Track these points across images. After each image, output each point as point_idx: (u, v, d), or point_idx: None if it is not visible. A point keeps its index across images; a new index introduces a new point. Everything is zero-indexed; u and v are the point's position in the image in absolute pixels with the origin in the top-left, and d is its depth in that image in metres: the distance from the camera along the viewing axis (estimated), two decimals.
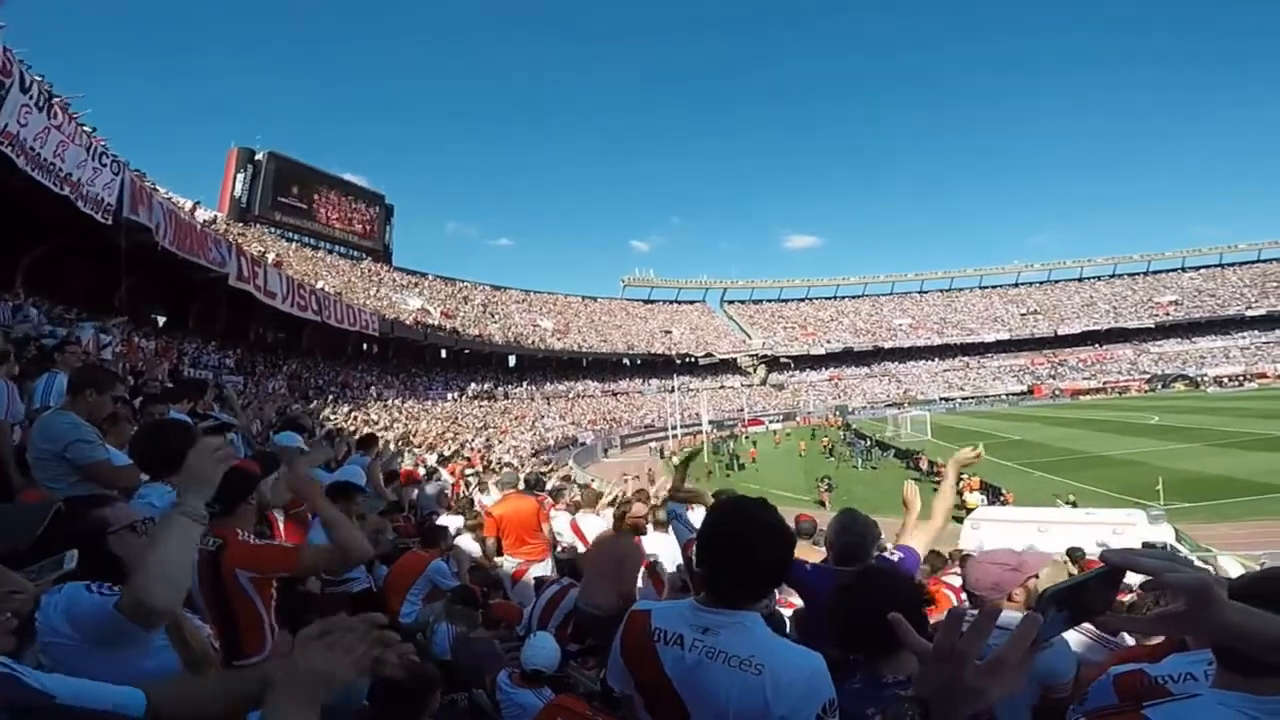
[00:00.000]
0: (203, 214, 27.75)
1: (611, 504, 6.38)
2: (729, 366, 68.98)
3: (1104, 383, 62.35)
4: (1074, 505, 15.49)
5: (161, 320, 21.56)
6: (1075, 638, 2.35)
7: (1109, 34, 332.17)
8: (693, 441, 41.47)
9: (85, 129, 13.20)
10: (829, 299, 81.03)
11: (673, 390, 50.69)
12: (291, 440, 4.60)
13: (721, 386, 64.96)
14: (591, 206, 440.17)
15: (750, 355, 70.42)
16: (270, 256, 28.39)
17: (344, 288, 35.53)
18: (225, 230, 27.07)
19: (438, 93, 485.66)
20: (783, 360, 70.77)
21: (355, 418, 19.83)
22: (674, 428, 44.50)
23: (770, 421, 55.02)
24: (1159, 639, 1.76)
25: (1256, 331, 65.41)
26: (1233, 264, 74.35)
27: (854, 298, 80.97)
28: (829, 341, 72.16)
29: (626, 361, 62.11)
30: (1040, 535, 10.25)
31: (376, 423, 20.53)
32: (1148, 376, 61.91)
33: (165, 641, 1.56)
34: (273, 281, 22.23)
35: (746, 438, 45.02)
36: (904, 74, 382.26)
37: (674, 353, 64.25)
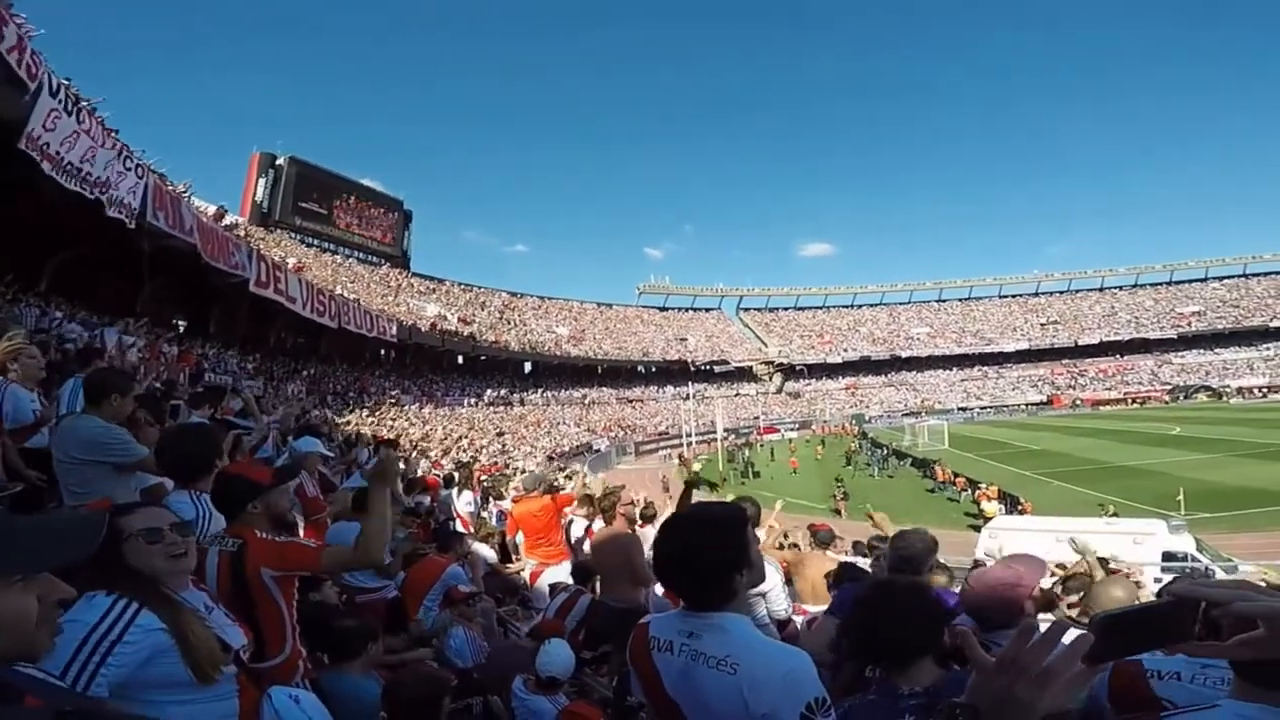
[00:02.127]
0: (225, 219, 28.12)
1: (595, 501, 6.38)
2: (744, 374, 68.74)
3: (1124, 393, 61.31)
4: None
5: (183, 325, 21.88)
6: None
7: (1131, 36, 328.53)
8: (709, 449, 41.39)
9: (112, 133, 13.19)
10: (846, 307, 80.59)
11: (688, 398, 50.59)
12: (311, 446, 4.67)
13: (737, 394, 64.75)
14: (605, 213, 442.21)
15: (766, 363, 70.16)
16: (290, 262, 28.77)
17: (363, 294, 35.89)
18: (246, 235, 27.46)
19: (452, 99, 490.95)
20: (799, 368, 70.42)
21: (373, 423, 20.03)
22: (689, 435, 44.40)
23: (786, 430, 54.75)
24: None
25: None
26: (1257, 274, 72.90)
27: (871, 306, 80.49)
28: (846, 350, 71.69)
29: (641, 369, 62.12)
30: (1058, 545, 10.07)
31: (392, 428, 20.72)
32: (1169, 387, 60.81)
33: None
34: (293, 287, 22.50)
35: (763, 445, 44.84)
36: (918, 78, 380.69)
37: (689, 360, 64.17)
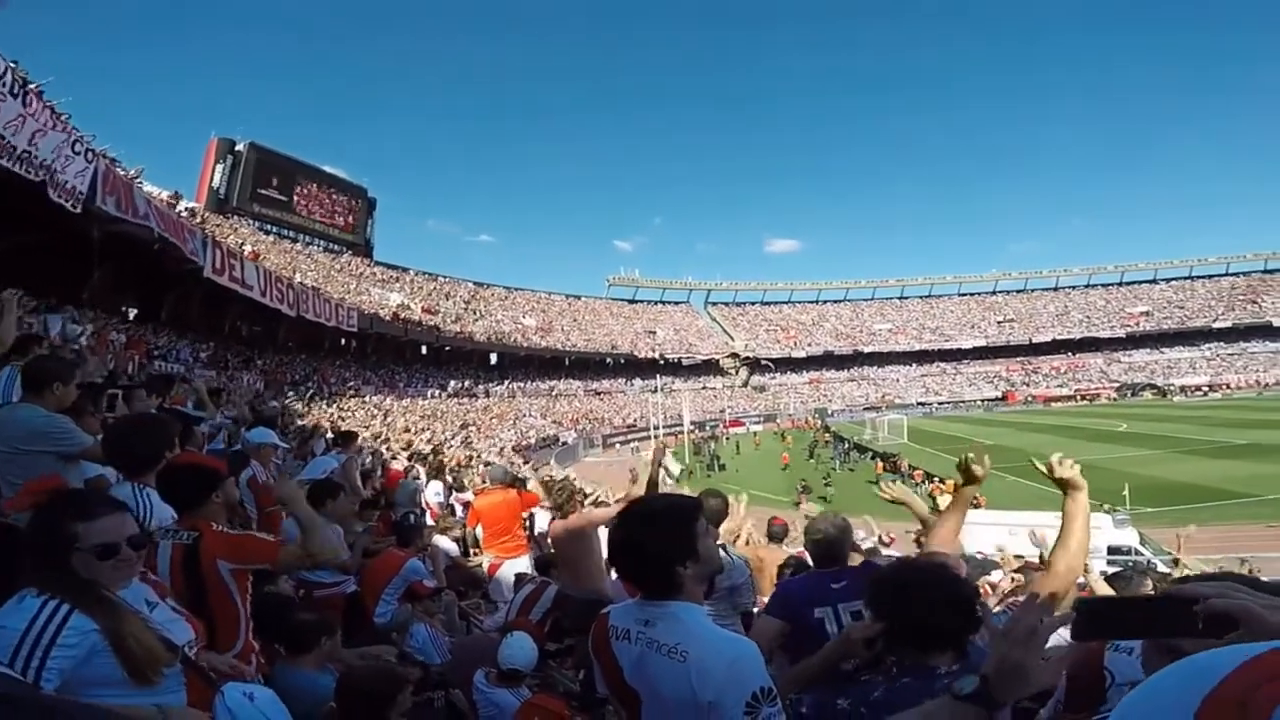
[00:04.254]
0: (180, 205, 27.23)
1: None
2: (711, 368, 69.19)
3: (1075, 390, 63.53)
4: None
5: (133, 313, 21.12)
6: None
7: (1086, 42, 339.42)
8: (675, 442, 41.58)
9: (62, 116, 12.90)
10: (811, 303, 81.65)
11: (655, 390, 50.74)
12: (265, 437, 4.54)
13: (704, 387, 65.17)
14: (574, 205, 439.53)
15: (732, 356, 70.77)
16: (247, 249, 27.96)
17: (323, 282, 35.07)
18: (202, 222, 26.62)
19: (419, 87, 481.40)
20: (764, 362, 71.19)
21: (332, 414, 19.61)
22: (656, 428, 44.57)
23: (751, 423, 55.32)
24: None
25: (1221, 343, 67.24)
26: (1202, 276, 76.34)
27: (835, 302, 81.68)
28: (810, 345, 72.69)
29: (609, 361, 62.05)
30: (1010, 538, 10.42)
31: (350, 419, 20.31)
32: (1117, 385, 63.18)
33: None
34: (249, 274, 21.87)
35: (728, 439, 45.25)
36: (883, 81, 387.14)
37: (657, 353, 64.32)
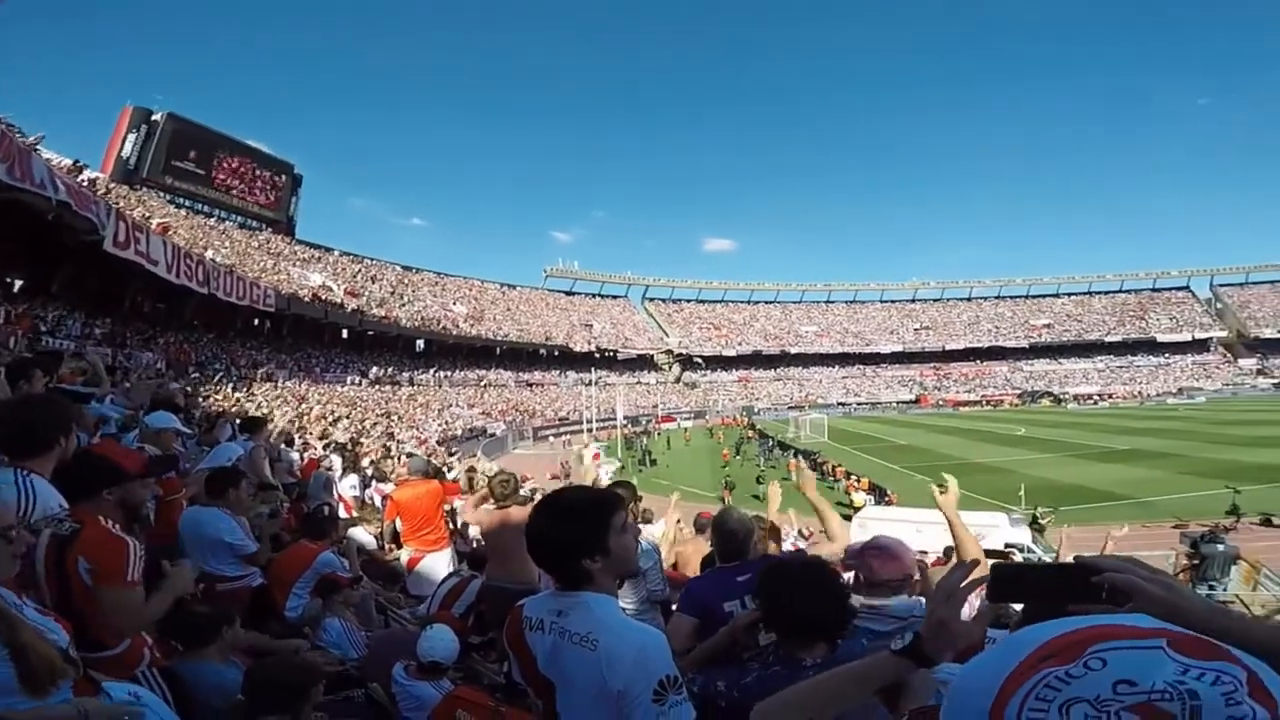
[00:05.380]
0: (83, 175, 25.15)
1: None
2: (645, 363, 69.65)
3: (981, 396, 67.70)
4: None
5: (18, 284, 19.33)
6: None
7: (1015, 55, 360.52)
8: (608, 437, 41.55)
9: None
10: (744, 303, 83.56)
11: (590, 384, 50.54)
12: (166, 422, 4.26)
13: (638, 382, 65.48)
14: (511, 192, 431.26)
15: (666, 352, 71.44)
16: (154, 222, 26.08)
17: (238, 259, 33.11)
18: (106, 193, 24.64)
19: (351, 63, 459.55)
20: (696, 359, 72.25)
21: (240, 398, 18.59)
22: (589, 422, 44.40)
23: (682, 419, 56.01)
24: None
25: (1111, 356, 73.38)
26: (1099, 292, 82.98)
27: (766, 303, 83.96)
28: (740, 344, 74.36)
29: (543, 352, 61.39)
30: (918, 535, 10.97)
31: (261, 405, 19.29)
32: (1019, 392, 67.77)
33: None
34: (155, 249, 20.38)
35: (660, 434, 45.66)
36: (828, 87, 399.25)
37: (593, 346, 64.10)
